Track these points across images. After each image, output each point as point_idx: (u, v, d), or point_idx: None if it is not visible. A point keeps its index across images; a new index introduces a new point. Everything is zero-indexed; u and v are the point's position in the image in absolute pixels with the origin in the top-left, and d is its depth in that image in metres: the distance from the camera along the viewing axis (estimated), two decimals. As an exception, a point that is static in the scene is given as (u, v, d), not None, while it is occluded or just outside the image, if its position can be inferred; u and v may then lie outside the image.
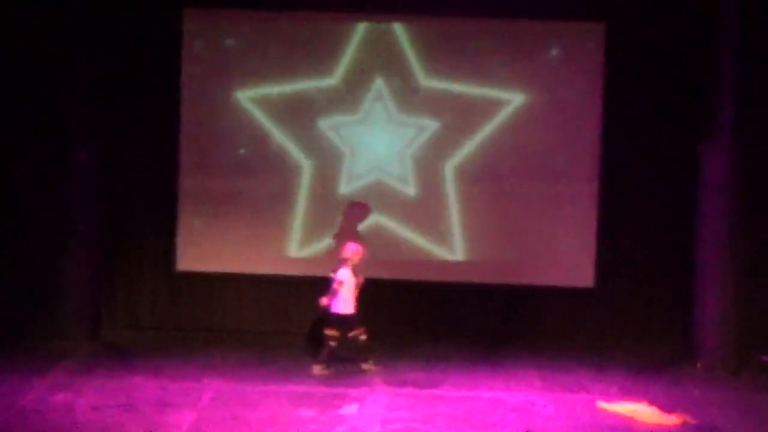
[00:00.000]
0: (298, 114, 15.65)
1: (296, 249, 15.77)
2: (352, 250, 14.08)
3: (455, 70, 15.52)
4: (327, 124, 15.64)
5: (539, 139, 15.53)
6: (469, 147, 15.59)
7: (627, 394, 13.26)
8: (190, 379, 13.45)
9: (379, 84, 15.58)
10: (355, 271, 14.03)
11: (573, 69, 15.49)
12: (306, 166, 15.69)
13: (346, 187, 15.71)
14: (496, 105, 15.52)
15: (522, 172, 15.56)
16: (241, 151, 15.69)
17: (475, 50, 15.52)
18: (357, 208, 15.60)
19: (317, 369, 13.87)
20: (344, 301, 13.94)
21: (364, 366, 14.00)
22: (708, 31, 14.89)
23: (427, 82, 15.57)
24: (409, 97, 15.59)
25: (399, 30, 15.54)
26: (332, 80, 15.63)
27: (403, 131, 15.64)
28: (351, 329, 13.93)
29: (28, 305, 14.93)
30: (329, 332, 13.96)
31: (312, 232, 15.75)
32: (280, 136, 15.67)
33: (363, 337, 13.96)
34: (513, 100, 15.52)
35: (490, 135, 15.56)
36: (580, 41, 15.49)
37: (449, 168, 15.62)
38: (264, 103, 15.64)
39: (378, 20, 15.54)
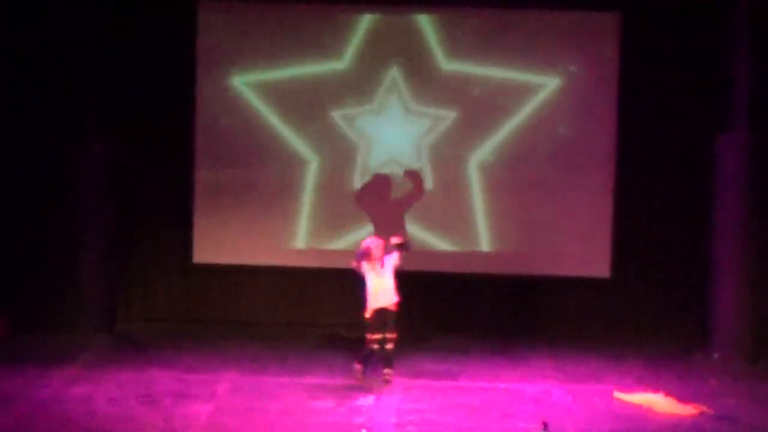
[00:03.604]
0: (315, 107, 15.66)
1: (312, 241, 15.77)
2: (362, 246, 13.30)
3: (469, 63, 15.50)
4: (341, 115, 15.64)
5: (554, 131, 15.51)
6: (484, 138, 15.58)
7: (643, 384, 13.25)
8: (207, 370, 13.48)
9: (393, 72, 15.57)
10: (375, 265, 13.14)
11: (588, 60, 15.47)
12: (322, 159, 15.70)
13: (361, 179, 15.71)
14: (510, 96, 15.51)
15: (537, 164, 15.55)
16: (257, 143, 15.70)
17: (490, 42, 15.51)
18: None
19: (356, 368, 13.23)
20: (372, 295, 13.12)
21: (384, 371, 13.16)
22: (724, 22, 14.85)
23: (441, 73, 15.55)
24: (424, 88, 15.58)
25: (415, 21, 15.53)
26: (347, 70, 15.66)
27: (419, 122, 15.63)
28: (386, 328, 13.06)
29: (44, 299, 14.95)
30: (368, 335, 13.11)
31: (328, 223, 15.76)
32: (295, 128, 15.67)
33: (390, 345, 13.11)
34: (528, 91, 15.49)
35: (505, 127, 15.54)
36: (595, 32, 15.45)
37: (464, 159, 15.61)
38: (278, 94, 15.64)
39: (393, 12, 15.54)
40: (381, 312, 13.08)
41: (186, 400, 12.26)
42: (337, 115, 15.66)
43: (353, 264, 13.24)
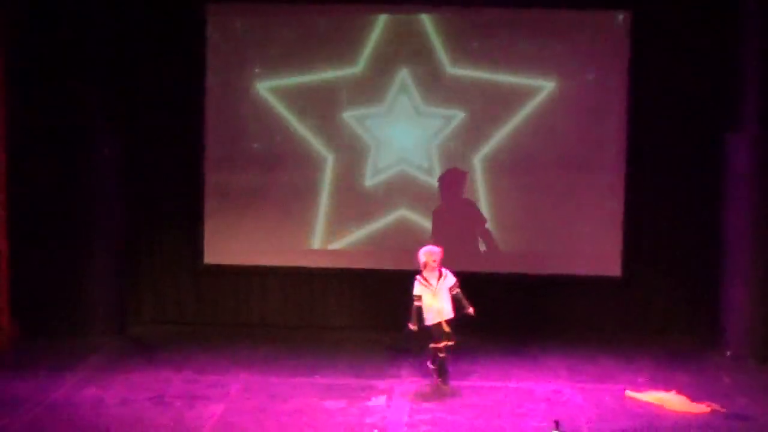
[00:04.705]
0: (323, 106, 15.63)
1: (322, 241, 15.77)
2: (423, 252, 13.07)
3: (480, 60, 15.47)
4: (351, 116, 15.63)
5: (565, 129, 15.49)
6: (495, 137, 15.55)
7: (655, 383, 13.22)
8: (218, 372, 13.49)
9: (403, 74, 15.56)
10: (432, 274, 12.99)
11: (598, 58, 15.43)
12: (330, 159, 15.69)
13: (370, 180, 15.70)
14: (521, 95, 15.48)
15: (548, 163, 15.51)
16: (266, 144, 15.70)
17: (500, 40, 15.48)
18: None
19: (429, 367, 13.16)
20: (428, 311, 12.96)
21: (441, 382, 13.08)
22: (733, 19, 14.80)
23: (452, 71, 15.52)
24: (434, 87, 15.56)
25: (424, 20, 15.50)
26: (356, 71, 15.60)
27: (429, 122, 15.62)
28: (443, 338, 12.95)
29: (55, 301, 14.96)
30: (433, 345, 12.99)
31: (338, 224, 15.75)
32: (304, 129, 15.66)
33: (441, 354, 12.95)
34: (538, 90, 15.47)
35: (515, 125, 15.52)
36: (605, 31, 15.42)
37: (475, 159, 15.60)
38: (288, 95, 15.63)
39: (402, 12, 15.52)
40: (438, 326, 12.98)
41: (197, 402, 12.28)
42: (348, 116, 15.64)
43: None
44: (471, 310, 13.03)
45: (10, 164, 14.75)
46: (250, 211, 15.74)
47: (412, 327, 13.00)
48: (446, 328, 12.96)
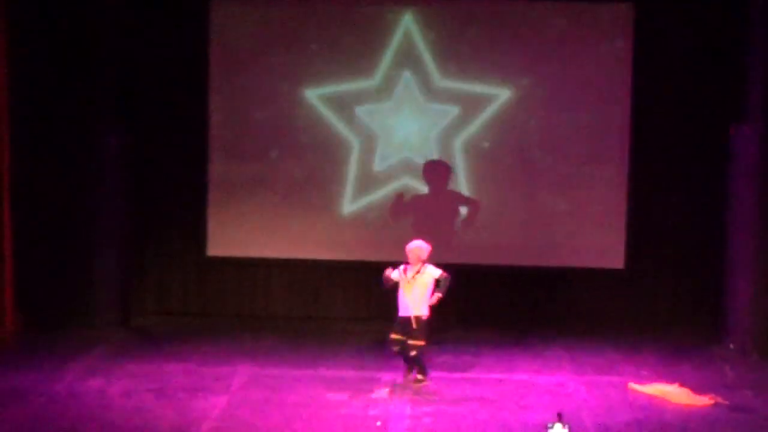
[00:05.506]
0: (330, 98, 15.63)
1: (327, 233, 15.76)
2: (408, 247, 12.77)
3: (483, 53, 15.47)
4: (362, 111, 15.65)
5: (569, 122, 15.49)
6: (498, 130, 15.55)
7: (658, 375, 13.21)
8: (221, 363, 13.49)
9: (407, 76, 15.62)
10: (414, 268, 12.69)
11: (602, 51, 15.43)
12: (336, 151, 15.69)
13: (377, 167, 15.76)
14: (525, 87, 15.47)
15: (552, 154, 15.52)
16: (270, 135, 15.70)
17: (503, 33, 15.47)
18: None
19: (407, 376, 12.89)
20: (400, 303, 12.75)
21: (407, 377, 12.83)
22: (739, 12, 14.76)
23: (448, 68, 15.57)
24: (431, 83, 15.60)
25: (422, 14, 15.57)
26: (356, 60, 15.70)
27: (430, 116, 15.63)
28: (409, 335, 12.67)
29: (59, 293, 14.97)
30: (391, 336, 12.76)
31: (343, 218, 15.76)
32: (309, 123, 15.67)
33: (412, 352, 12.64)
34: (543, 83, 15.46)
35: (519, 117, 15.52)
36: (609, 23, 15.41)
37: (481, 151, 15.59)
38: (292, 89, 15.62)
39: (405, 6, 15.54)
40: (405, 320, 12.74)
41: (201, 393, 12.27)
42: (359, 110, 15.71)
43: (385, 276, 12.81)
44: (434, 298, 12.65)
45: (15, 156, 14.73)
46: (253, 202, 15.75)
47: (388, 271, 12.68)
48: (410, 327, 12.62)
